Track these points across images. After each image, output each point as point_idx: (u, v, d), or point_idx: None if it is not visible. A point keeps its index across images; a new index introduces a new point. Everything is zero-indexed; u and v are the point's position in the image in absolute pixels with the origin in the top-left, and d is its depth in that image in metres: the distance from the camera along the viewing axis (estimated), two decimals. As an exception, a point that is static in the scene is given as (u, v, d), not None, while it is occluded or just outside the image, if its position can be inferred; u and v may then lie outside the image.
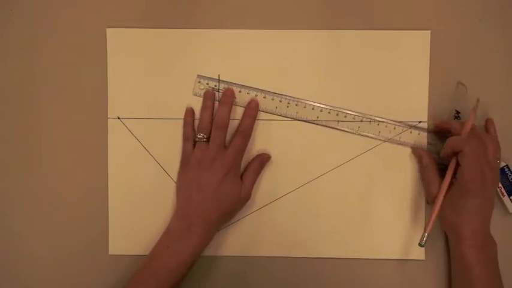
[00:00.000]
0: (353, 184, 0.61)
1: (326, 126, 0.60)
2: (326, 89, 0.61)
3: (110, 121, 0.61)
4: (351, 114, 0.60)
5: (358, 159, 0.61)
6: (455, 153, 0.56)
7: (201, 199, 0.57)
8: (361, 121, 0.60)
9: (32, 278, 0.62)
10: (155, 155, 0.61)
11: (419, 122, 0.60)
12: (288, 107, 0.60)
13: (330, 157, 0.61)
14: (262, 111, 0.61)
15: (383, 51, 0.60)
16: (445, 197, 0.56)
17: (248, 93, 0.60)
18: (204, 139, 0.58)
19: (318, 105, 0.60)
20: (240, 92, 0.60)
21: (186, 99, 0.61)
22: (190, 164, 0.58)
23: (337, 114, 0.60)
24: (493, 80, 0.61)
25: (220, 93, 0.60)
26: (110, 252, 0.61)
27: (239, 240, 0.61)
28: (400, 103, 0.60)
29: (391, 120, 0.60)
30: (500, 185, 0.59)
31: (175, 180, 0.61)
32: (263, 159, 0.60)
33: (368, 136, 0.60)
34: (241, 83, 0.61)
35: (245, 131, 0.59)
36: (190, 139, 0.60)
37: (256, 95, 0.60)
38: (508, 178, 0.60)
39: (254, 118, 0.60)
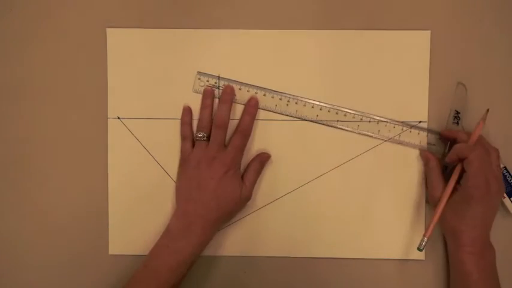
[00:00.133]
0: (353, 184, 0.61)
1: (326, 124, 0.60)
2: (326, 89, 0.61)
3: (110, 121, 0.61)
4: (350, 113, 0.60)
5: (358, 159, 0.61)
6: (461, 160, 0.56)
7: (201, 198, 0.57)
8: (361, 120, 0.60)
9: (32, 278, 0.62)
10: (155, 155, 0.61)
11: (419, 122, 0.60)
12: (287, 105, 0.60)
13: (330, 157, 0.61)
14: (262, 109, 0.61)
15: (383, 51, 0.60)
16: (447, 201, 0.56)
17: (248, 91, 0.60)
18: (204, 138, 0.58)
19: (318, 103, 0.60)
20: (240, 89, 0.60)
21: (186, 99, 0.61)
22: (190, 163, 0.58)
23: (336, 113, 0.60)
24: (493, 80, 0.61)
25: (220, 91, 0.60)
26: (110, 252, 0.61)
27: (239, 240, 0.61)
28: (400, 103, 0.60)
29: (391, 120, 0.60)
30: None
31: (175, 180, 0.61)
32: (263, 159, 0.60)
33: (368, 135, 0.60)
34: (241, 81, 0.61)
35: (245, 130, 0.59)
36: (188, 138, 0.60)
37: (256, 93, 0.60)
38: (507, 180, 0.60)
39: (254, 116, 0.60)
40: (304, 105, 0.60)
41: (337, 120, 0.60)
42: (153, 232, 0.60)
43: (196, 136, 0.59)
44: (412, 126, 0.60)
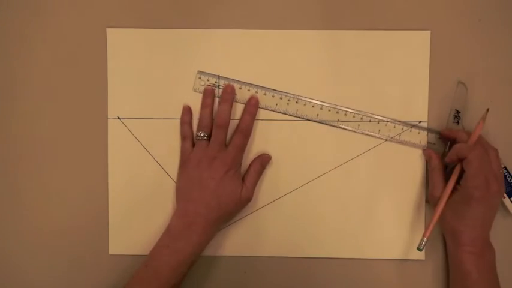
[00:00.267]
0: (353, 184, 0.61)
1: (326, 124, 0.60)
2: (326, 89, 0.61)
3: (110, 121, 0.61)
4: (350, 112, 0.60)
5: (358, 158, 0.61)
6: (460, 160, 0.56)
7: (201, 197, 0.57)
8: (361, 120, 0.60)
9: (32, 278, 0.62)
10: (155, 155, 0.61)
11: (420, 122, 0.60)
12: (288, 104, 0.60)
13: (330, 157, 0.61)
14: (262, 109, 0.61)
15: (383, 51, 0.60)
16: (447, 201, 0.56)
17: (248, 90, 0.60)
18: (205, 137, 0.58)
19: (318, 102, 0.60)
20: (240, 88, 0.60)
21: (186, 99, 0.61)
22: (190, 162, 0.58)
23: (337, 112, 0.60)
24: (493, 80, 0.61)
25: (221, 90, 0.60)
26: (110, 252, 0.61)
27: (239, 240, 0.61)
28: (400, 103, 0.60)
29: (391, 119, 0.60)
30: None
31: (175, 180, 0.61)
32: (264, 160, 0.60)
33: (368, 134, 0.60)
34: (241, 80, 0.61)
35: (245, 129, 0.59)
36: (188, 138, 0.60)
37: (257, 92, 0.60)
38: (507, 180, 0.60)
39: (254, 115, 0.60)
40: (305, 105, 0.60)
41: (338, 120, 0.60)
42: (153, 232, 0.60)
43: (197, 135, 0.59)
44: (412, 126, 0.60)
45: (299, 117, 0.60)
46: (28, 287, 0.62)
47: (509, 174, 0.60)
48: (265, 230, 0.61)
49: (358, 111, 0.60)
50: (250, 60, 0.61)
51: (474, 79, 0.60)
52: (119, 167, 0.61)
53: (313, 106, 0.60)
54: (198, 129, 0.59)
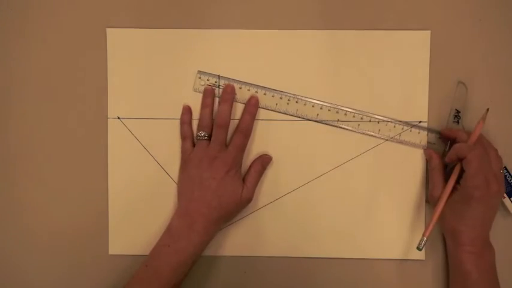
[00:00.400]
0: (353, 184, 0.61)
1: (326, 124, 0.60)
2: (326, 89, 0.61)
3: (110, 121, 0.61)
4: (350, 112, 0.60)
5: (358, 158, 0.61)
6: (460, 160, 0.56)
7: (202, 197, 0.57)
8: (361, 119, 0.60)
9: (32, 278, 0.62)
10: (155, 155, 0.61)
11: (420, 121, 0.60)
12: (288, 104, 0.60)
13: (330, 157, 0.61)
14: (262, 108, 0.61)
15: (383, 51, 0.60)
16: (447, 201, 0.56)
17: (248, 90, 0.60)
18: (205, 137, 0.58)
19: (318, 102, 0.60)
20: (240, 88, 0.60)
21: (186, 99, 0.61)
22: (191, 162, 0.58)
23: (337, 112, 0.60)
24: (493, 80, 0.61)
25: (221, 90, 0.60)
26: (110, 252, 0.61)
27: (239, 240, 0.61)
28: (400, 103, 0.60)
29: (391, 119, 0.60)
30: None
31: (175, 180, 0.61)
32: (265, 161, 0.60)
33: (368, 134, 0.60)
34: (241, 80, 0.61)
35: (245, 129, 0.59)
36: (188, 138, 0.60)
37: (257, 92, 0.60)
38: (507, 180, 0.60)
39: (254, 115, 0.60)
40: (305, 105, 0.60)
41: (338, 120, 0.60)
42: (153, 232, 0.60)
43: (197, 135, 0.59)
44: (412, 126, 0.60)
45: (299, 117, 0.61)
46: (28, 287, 0.62)
47: (509, 174, 0.60)
48: (265, 230, 0.61)
49: (358, 111, 0.60)
50: (250, 60, 0.61)
51: (474, 79, 0.60)
52: (119, 167, 0.61)
53: (313, 106, 0.60)
54: (198, 129, 0.59)
